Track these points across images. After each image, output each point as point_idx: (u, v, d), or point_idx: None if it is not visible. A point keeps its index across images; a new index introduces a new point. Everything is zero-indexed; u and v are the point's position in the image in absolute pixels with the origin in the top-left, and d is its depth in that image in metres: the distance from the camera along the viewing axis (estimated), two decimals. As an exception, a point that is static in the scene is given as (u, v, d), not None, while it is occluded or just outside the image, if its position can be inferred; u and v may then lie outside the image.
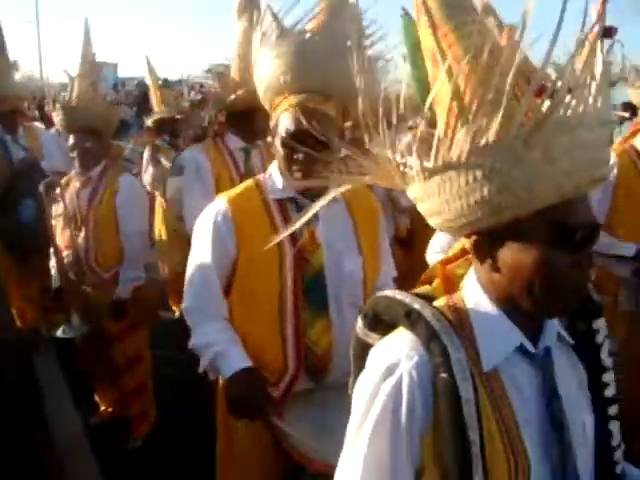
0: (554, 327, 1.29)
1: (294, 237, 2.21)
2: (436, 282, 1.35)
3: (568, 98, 1.07)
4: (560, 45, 1.06)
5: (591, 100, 1.11)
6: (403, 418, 1.17)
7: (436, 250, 2.61)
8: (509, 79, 1.07)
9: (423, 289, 1.35)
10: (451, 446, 1.14)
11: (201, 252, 2.29)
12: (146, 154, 5.91)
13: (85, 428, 4.22)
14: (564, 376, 1.28)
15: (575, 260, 1.15)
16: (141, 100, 10.48)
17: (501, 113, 1.06)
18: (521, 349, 1.23)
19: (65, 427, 4.13)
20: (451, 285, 1.32)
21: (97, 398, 4.35)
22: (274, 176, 2.32)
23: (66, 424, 4.19)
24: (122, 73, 28.66)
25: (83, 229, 3.82)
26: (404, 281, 2.05)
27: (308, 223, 2.16)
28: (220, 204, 2.29)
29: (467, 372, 1.15)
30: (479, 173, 1.09)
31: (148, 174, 5.72)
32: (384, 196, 4.18)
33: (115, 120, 4.13)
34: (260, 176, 2.39)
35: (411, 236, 4.59)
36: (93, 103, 3.88)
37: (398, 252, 4.16)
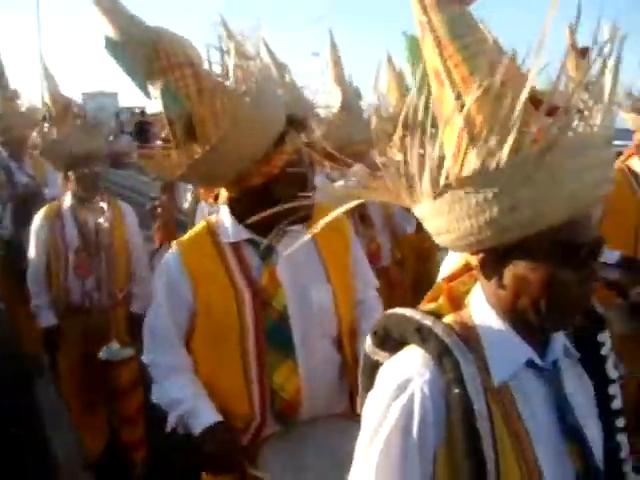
0: (561, 340, 1.30)
1: (252, 280, 2.17)
2: (441, 299, 1.37)
3: (577, 120, 1.11)
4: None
5: (598, 121, 1.13)
6: (415, 435, 1.17)
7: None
8: (519, 104, 1.09)
9: (429, 307, 1.36)
10: (466, 462, 1.14)
11: (159, 304, 2.24)
12: None
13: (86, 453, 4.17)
14: (573, 388, 1.29)
15: (581, 276, 1.17)
16: (137, 130, 10.57)
17: (513, 137, 1.08)
18: (530, 363, 1.24)
19: (66, 452, 4.11)
20: (456, 302, 1.34)
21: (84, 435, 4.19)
22: (225, 219, 2.26)
23: (67, 449, 4.17)
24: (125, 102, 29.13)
25: (103, 255, 3.96)
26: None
27: (267, 263, 2.17)
28: (173, 253, 2.24)
29: (480, 387, 1.16)
30: (489, 194, 1.11)
31: None
32: (382, 219, 4.22)
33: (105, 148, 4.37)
34: (212, 218, 2.33)
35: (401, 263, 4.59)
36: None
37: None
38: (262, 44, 3.03)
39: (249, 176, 2.12)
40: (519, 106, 1.08)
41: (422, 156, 1.17)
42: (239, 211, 2.20)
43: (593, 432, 1.30)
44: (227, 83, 2.10)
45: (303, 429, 2.18)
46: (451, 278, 1.39)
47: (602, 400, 1.36)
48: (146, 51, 2.07)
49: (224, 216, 2.26)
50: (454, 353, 1.18)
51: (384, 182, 1.25)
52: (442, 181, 1.16)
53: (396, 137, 1.22)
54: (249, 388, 2.16)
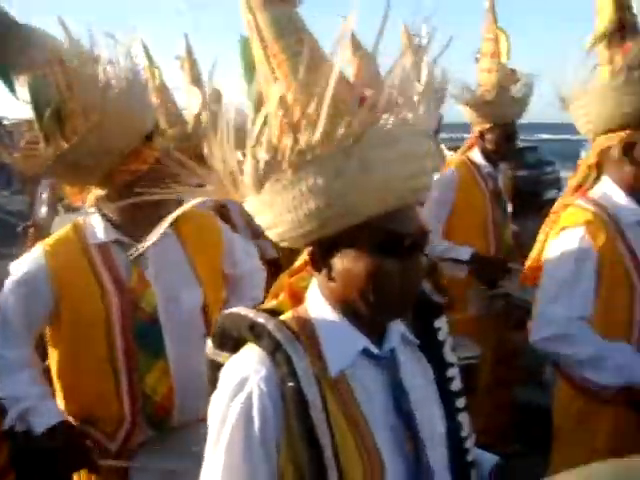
0: (398, 328, 1.35)
1: (120, 282, 2.15)
2: (282, 295, 1.39)
3: (388, 111, 1.15)
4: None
5: (414, 113, 1.18)
6: (256, 432, 1.18)
7: None
8: (327, 98, 1.12)
9: (270, 304, 1.39)
10: (304, 452, 1.17)
11: (11, 300, 2.17)
12: None
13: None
14: (411, 374, 1.34)
15: (405, 266, 1.21)
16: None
17: (321, 128, 1.11)
18: (366, 352, 1.27)
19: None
20: (297, 297, 1.36)
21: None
22: (94, 220, 2.23)
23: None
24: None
25: None
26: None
27: (136, 264, 2.15)
28: (37, 253, 2.19)
29: (312, 378, 1.19)
30: (304, 187, 1.14)
31: None
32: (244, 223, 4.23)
33: None
34: (81, 220, 2.29)
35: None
36: None
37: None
38: (139, 45, 2.98)
39: (117, 173, 2.12)
40: (327, 101, 1.11)
41: (244, 153, 1.18)
42: (108, 211, 2.21)
43: (433, 414, 1.37)
44: (98, 79, 2.10)
45: (176, 435, 2.16)
46: (292, 274, 1.41)
47: (442, 383, 1.42)
48: (16, 47, 2.08)
49: (93, 217, 2.24)
50: (286, 348, 1.20)
51: (215, 179, 1.26)
52: (261, 175, 1.17)
53: (220, 133, 1.22)
54: (119, 390, 2.13)
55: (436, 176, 4.31)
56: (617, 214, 2.29)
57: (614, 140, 2.30)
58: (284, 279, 1.42)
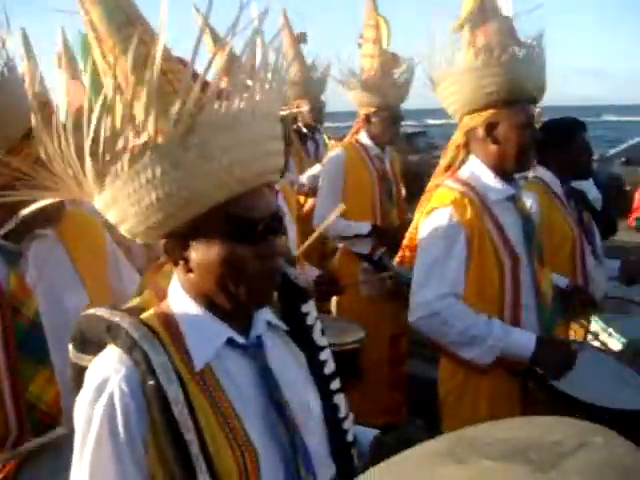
0: (265, 316, 1.36)
1: None
2: (146, 292, 1.38)
3: (230, 96, 1.15)
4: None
5: (255, 96, 1.19)
6: (122, 432, 1.17)
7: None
8: (152, 90, 1.11)
9: (134, 302, 1.37)
10: (170, 449, 1.16)
11: None
12: None
13: None
14: (281, 361, 1.35)
15: (259, 251, 1.22)
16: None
17: (152, 119, 1.11)
18: (232, 343, 1.28)
19: None
20: (161, 293, 1.34)
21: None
22: None
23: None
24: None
25: None
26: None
27: (14, 267, 2.05)
28: None
29: (172, 374, 1.18)
30: (143, 179, 1.13)
31: None
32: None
33: None
34: None
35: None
36: None
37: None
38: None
39: None
40: (152, 94, 1.11)
41: (81, 148, 1.16)
42: None
43: (307, 398, 1.38)
44: None
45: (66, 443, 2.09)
46: (156, 270, 1.40)
47: (315, 367, 1.44)
48: None
49: None
50: (142, 346, 1.19)
51: (54, 177, 1.23)
52: (100, 171, 1.16)
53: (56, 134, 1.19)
54: (2, 400, 2.02)
55: (318, 167, 4.38)
56: (484, 192, 2.38)
57: (478, 120, 2.38)
58: (148, 276, 1.40)
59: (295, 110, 4.87)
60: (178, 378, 1.18)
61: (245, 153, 1.17)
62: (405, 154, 12.91)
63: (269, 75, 1.21)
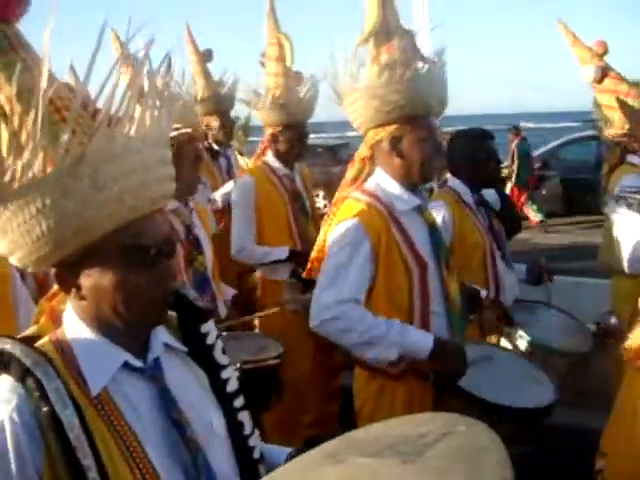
0: (162, 338, 1.35)
1: None
2: (42, 320, 1.36)
3: (119, 124, 1.15)
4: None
5: (145, 123, 1.19)
6: (13, 465, 1.14)
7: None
8: (39, 119, 1.10)
9: (30, 330, 1.35)
10: (68, 476, 1.14)
11: None
12: None
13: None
14: (180, 381, 1.35)
15: (152, 275, 1.23)
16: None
17: (40, 149, 1.10)
18: (128, 366, 1.27)
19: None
20: (58, 320, 1.33)
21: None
22: None
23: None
24: None
25: None
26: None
27: None
28: None
29: (67, 399, 1.16)
30: (33, 209, 1.12)
31: None
32: None
33: None
34: None
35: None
36: None
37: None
38: None
39: None
40: (38, 122, 1.10)
41: None
42: None
43: (210, 416, 1.38)
44: None
45: None
46: (51, 297, 1.38)
47: (217, 386, 1.44)
48: None
49: None
50: (34, 372, 1.17)
51: None
52: None
53: None
54: None
55: (231, 185, 4.34)
56: (391, 203, 2.44)
57: (383, 135, 2.43)
58: (44, 303, 1.38)
59: (204, 127, 4.84)
60: (74, 403, 1.17)
61: (136, 180, 1.17)
62: (328, 166, 13.10)
63: (157, 102, 1.22)
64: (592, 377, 2.95)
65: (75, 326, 1.27)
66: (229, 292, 3.37)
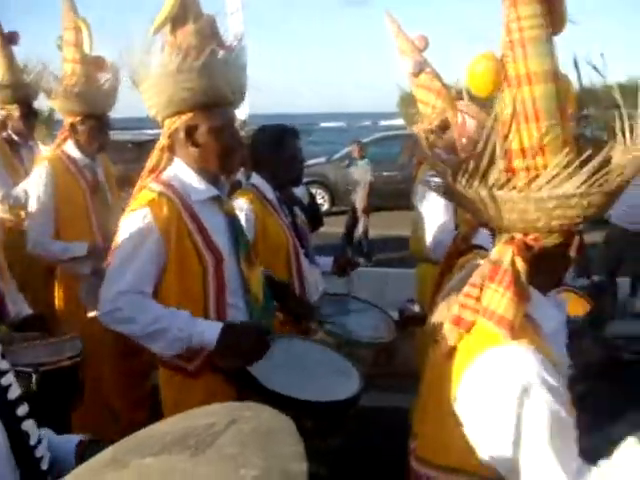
0: None
1: None
2: None
3: None
4: None
5: None
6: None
7: None
8: None
9: None
10: None
11: None
12: None
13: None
14: None
15: None
16: None
17: None
18: None
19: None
20: None
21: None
22: None
23: None
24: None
25: None
26: None
27: None
28: None
29: None
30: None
31: None
32: None
33: None
34: None
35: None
36: None
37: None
38: None
39: None
40: None
41: None
42: None
43: None
44: None
45: None
46: None
47: None
48: None
49: None
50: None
51: None
52: None
53: None
54: None
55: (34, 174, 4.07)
56: (187, 192, 2.39)
57: (179, 123, 2.37)
58: None
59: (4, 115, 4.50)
60: None
61: None
62: (138, 162, 12.61)
63: None
64: (402, 361, 3.05)
65: None
66: (26, 312, 3.04)
